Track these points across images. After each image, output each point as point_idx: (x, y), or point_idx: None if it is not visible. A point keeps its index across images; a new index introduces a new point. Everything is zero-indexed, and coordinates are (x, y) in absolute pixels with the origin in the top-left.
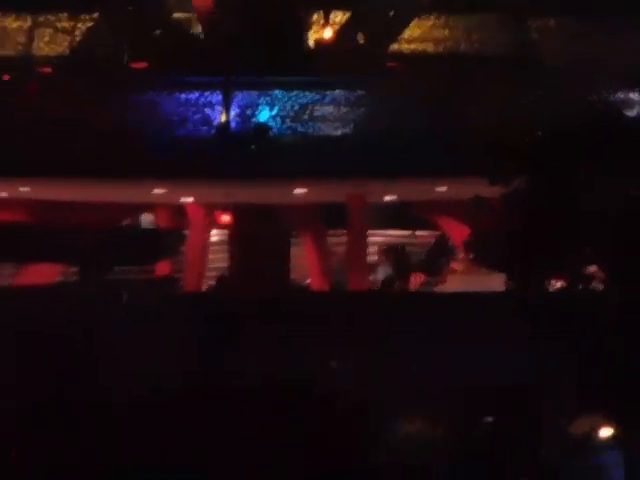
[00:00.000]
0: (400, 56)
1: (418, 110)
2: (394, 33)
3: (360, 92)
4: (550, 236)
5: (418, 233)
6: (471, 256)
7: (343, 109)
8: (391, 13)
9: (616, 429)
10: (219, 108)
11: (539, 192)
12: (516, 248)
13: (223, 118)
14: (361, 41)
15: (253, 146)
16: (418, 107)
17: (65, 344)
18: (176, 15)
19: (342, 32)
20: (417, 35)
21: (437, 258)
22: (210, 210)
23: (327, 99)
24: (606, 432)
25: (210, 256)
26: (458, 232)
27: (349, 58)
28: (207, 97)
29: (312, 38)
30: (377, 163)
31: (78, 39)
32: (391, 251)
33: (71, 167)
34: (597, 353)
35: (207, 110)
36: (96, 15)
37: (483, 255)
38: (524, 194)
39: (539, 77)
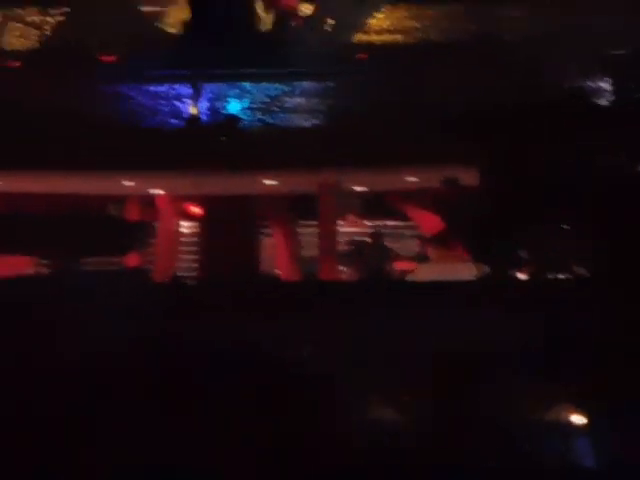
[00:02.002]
0: (369, 47)
1: (386, 99)
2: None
3: (328, 83)
4: (519, 220)
5: (388, 223)
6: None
7: (313, 100)
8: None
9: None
10: (188, 100)
11: (506, 175)
12: (486, 235)
13: (193, 110)
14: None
15: (223, 137)
16: (387, 97)
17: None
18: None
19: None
20: (385, 26)
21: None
22: (180, 202)
23: (297, 90)
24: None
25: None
26: (428, 221)
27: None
28: (177, 89)
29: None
30: (347, 153)
31: (48, 33)
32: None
33: (41, 159)
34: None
35: (177, 102)
36: (66, 9)
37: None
38: (493, 179)
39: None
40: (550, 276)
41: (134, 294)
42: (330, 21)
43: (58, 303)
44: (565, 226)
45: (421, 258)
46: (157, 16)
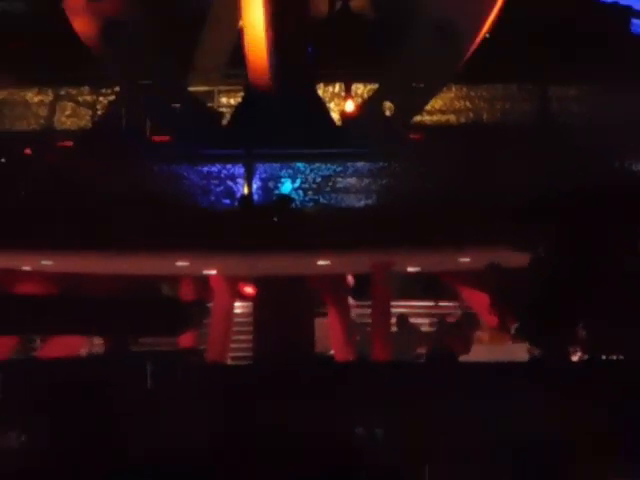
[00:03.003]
0: (422, 127)
1: (440, 181)
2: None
3: (382, 163)
4: (574, 304)
5: (442, 304)
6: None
7: (366, 180)
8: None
9: None
10: (241, 180)
11: (563, 259)
12: (540, 317)
13: (246, 190)
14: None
15: (276, 218)
16: (440, 178)
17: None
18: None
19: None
20: (438, 106)
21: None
22: (233, 282)
23: (349, 170)
24: None
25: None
26: (482, 302)
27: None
28: (229, 169)
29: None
30: (400, 234)
31: (100, 112)
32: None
33: (97, 240)
34: None
35: (229, 182)
36: (117, 89)
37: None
38: (547, 262)
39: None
40: (604, 358)
41: (189, 375)
42: (389, 105)
43: (114, 384)
44: (619, 308)
45: (475, 339)
46: (209, 95)
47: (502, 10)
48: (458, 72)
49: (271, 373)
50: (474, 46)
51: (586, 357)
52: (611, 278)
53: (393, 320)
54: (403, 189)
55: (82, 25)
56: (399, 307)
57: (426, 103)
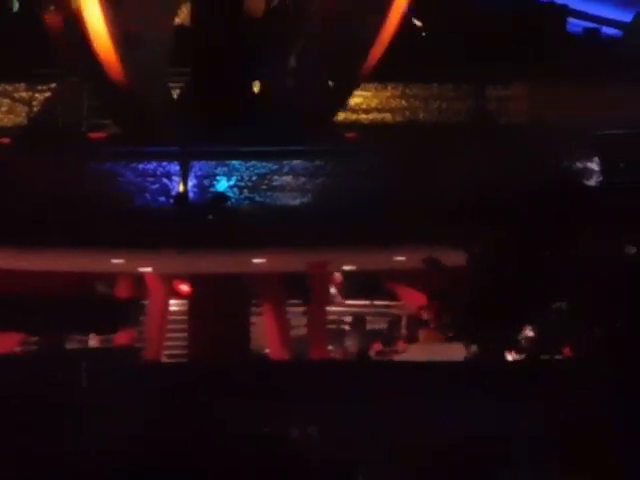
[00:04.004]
0: (359, 125)
1: (376, 179)
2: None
3: (318, 162)
4: (511, 303)
5: (376, 302)
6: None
7: (301, 179)
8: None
9: None
10: (177, 178)
11: (500, 258)
12: (476, 316)
13: (181, 188)
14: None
15: (211, 216)
16: (377, 176)
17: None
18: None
19: None
20: (374, 105)
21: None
22: (169, 280)
23: (285, 169)
24: None
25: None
26: (417, 301)
27: None
28: (165, 167)
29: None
30: (336, 232)
31: (36, 109)
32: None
33: (31, 236)
34: None
35: (165, 180)
36: (54, 86)
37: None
38: (485, 261)
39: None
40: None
41: (123, 373)
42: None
43: (49, 382)
44: (558, 306)
45: (410, 338)
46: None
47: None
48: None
49: (206, 371)
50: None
51: (521, 357)
52: (548, 277)
53: (330, 319)
54: (339, 188)
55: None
56: (336, 306)
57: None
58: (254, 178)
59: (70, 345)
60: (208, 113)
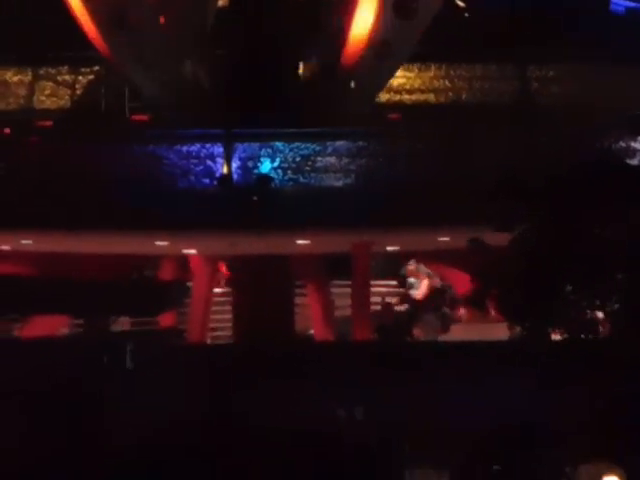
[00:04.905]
0: (401, 106)
1: (419, 161)
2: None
3: (361, 143)
4: (555, 283)
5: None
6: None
7: (345, 160)
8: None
9: None
10: (220, 160)
11: (541, 239)
12: (520, 297)
13: (225, 170)
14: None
15: (255, 197)
16: (419, 158)
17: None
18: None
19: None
20: (417, 85)
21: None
22: (213, 262)
23: (328, 150)
24: None
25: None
26: (462, 282)
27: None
28: (208, 149)
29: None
30: (379, 213)
31: (79, 92)
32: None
33: (74, 220)
34: None
35: (209, 162)
36: (97, 68)
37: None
38: (527, 241)
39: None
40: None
41: (170, 354)
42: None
43: (95, 363)
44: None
45: (455, 319)
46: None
47: None
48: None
49: (251, 353)
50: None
51: (566, 337)
52: (590, 258)
53: (373, 300)
54: (382, 169)
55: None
56: (379, 287)
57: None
58: (297, 159)
59: (115, 328)
60: (250, 97)
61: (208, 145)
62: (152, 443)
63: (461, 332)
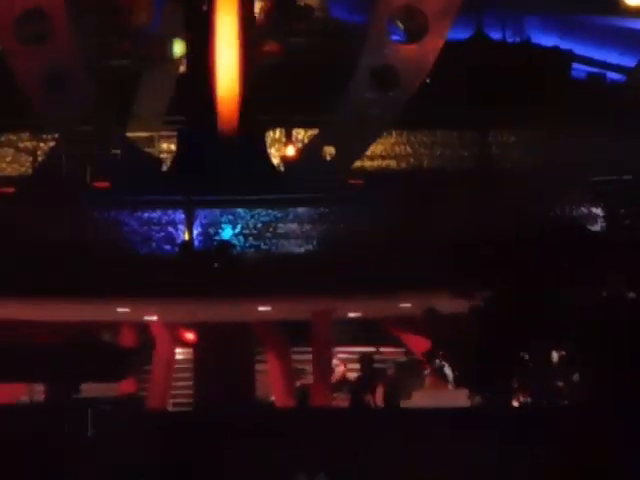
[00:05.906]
0: (363, 172)
1: (380, 227)
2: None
3: (323, 209)
4: (514, 347)
5: (383, 349)
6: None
7: (306, 226)
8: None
9: None
10: (182, 226)
11: (502, 305)
12: (479, 363)
13: (186, 236)
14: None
15: (216, 264)
16: (380, 224)
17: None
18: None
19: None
20: (379, 151)
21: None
22: (175, 328)
23: (290, 216)
24: None
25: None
26: (422, 348)
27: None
28: (170, 215)
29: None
30: (341, 280)
31: (40, 159)
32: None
33: (35, 286)
34: None
35: (170, 228)
36: (58, 135)
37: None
38: (487, 308)
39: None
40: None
41: (129, 421)
42: (330, 150)
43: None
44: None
45: (415, 384)
46: (149, 141)
47: (441, 56)
48: (396, 118)
49: (212, 420)
50: (412, 93)
51: (526, 402)
52: (551, 324)
53: (334, 365)
54: (344, 235)
55: (22, 70)
56: (340, 353)
57: (366, 149)
58: (259, 226)
59: (76, 394)
60: (211, 163)
61: (169, 211)
62: None
63: (423, 398)
